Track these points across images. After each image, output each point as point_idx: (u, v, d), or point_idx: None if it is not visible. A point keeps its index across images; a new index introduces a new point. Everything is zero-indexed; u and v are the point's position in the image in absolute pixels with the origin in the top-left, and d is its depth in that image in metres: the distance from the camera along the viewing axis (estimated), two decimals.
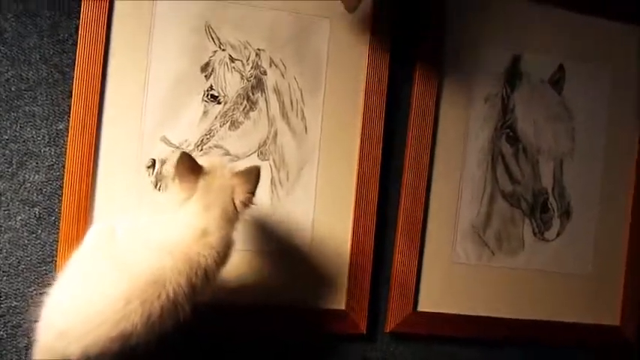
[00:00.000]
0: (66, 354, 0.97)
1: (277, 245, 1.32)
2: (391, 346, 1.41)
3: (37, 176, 1.23)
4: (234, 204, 1.11)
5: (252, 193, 1.13)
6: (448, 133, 1.42)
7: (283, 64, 1.33)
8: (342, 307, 1.36)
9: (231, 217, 1.11)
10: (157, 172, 1.27)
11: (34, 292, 1.21)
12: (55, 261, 1.22)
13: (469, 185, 1.43)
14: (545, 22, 1.47)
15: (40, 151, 1.23)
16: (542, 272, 1.48)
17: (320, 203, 1.35)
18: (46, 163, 1.23)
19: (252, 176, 1.13)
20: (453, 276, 1.43)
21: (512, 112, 1.45)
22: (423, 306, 1.41)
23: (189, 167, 1.10)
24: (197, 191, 1.09)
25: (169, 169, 1.26)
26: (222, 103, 1.30)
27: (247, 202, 1.12)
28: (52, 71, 1.23)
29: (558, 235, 1.49)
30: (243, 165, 1.17)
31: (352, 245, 1.36)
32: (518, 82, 1.46)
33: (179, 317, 1.04)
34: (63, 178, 1.22)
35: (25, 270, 1.22)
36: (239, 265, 1.29)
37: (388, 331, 1.39)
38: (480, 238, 1.44)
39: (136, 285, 1.00)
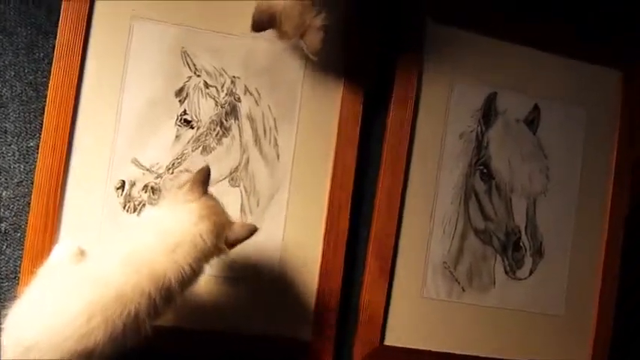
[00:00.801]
0: None
1: (243, 272, 1.31)
2: None
3: (5, 192, 1.23)
4: (223, 235, 1.09)
5: (240, 241, 1.11)
6: (421, 167, 1.42)
7: (258, 92, 1.34)
8: (308, 337, 1.34)
9: (213, 244, 1.09)
10: (125, 194, 1.27)
11: None
12: (19, 277, 1.21)
13: (441, 220, 1.43)
14: (521, 62, 1.49)
15: (10, 167, 1.23)
16: (513, 311, 1.47)
17: (289, 232, 1.34)
18: (15, 180, 1.23)
19: (250, 229, 1.11)
20: (422, 311, 1.41)
21: (486, 149, 1.46)
22: (391, 340, 1.39)
23: (204, 181, 1.11)
24: (198, 202, 1.09)
25: (139, 191, 1.27)
26: (195, 128, 1.31)
27: (232, 244, 1.10)
28: (25, 89, 1.24)
29: (530, 273, 1.48)
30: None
31: (320, 275, 1.35)
32: (493, 120, 1.47)
33: (141, 334, 1.02)
34: (30, 195, 1.22)
35: None
36: (203, 290, 1.28)
37: None
38: (451, 274, 1.43)
39: (100, 301, 0.98)
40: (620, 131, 1.55)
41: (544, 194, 1.50)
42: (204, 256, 1.07)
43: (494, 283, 1.46)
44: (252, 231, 1.12)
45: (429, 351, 1.41)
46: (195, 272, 1.06)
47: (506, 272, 1.47)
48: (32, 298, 1.02)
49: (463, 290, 1.44)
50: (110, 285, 1.00)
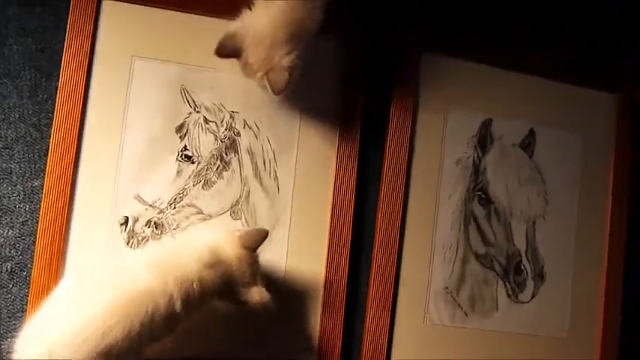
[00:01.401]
0: None
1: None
2: None
3: (10, 232, 1.25)
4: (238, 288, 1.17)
5: (248, 304, 1.19)
6: (420, 194, 1.44)
7: (257, 126, 1.37)
8: None
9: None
10: (129, 230, 1.29)
11: (3, 345, 1.22)
12: (25, 315, 1.23)
13: (442, 246, 1.45)
14: (515, 89, 1.52)
15: (15, 207, 1.26)
16: (516, 335, 1.48)
17: (291, 263, 1.36)
18: (20, 219, 1.26)
19: (264, 301, 1.20)
20: (425, 337, 1.43)
21: (483, 174, 1.48)
22: None
23: (258, 242, 1.21)
24: (241, 253, 1.18)
25: (142, 226, 1.29)
26: (196, 163, 1.33)
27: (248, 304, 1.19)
28: (30, 130, 1.28)
29: (533, 297, 1.50)
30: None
31: (323, 304, 1.37)
32: (489, 146, 1.49)
33: (156, 338, 1.09)
34: (36, 234, 1.25)
35: None
36: (209, 320, 1.30)
37: None
38: (453, 299, 1.45)
39: (122, 300, 1.03)
40: (616, 154, 1.57)
41: (543, 217, 1.51)
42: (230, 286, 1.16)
43: (497, 307, 1.47)
44: (264, 303, 1.20)
45: None
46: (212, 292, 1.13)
47: (508, 296, 1.48)
48: (55, 302, 1.08)
49: (466, 315, 1.45)
50: (133, 286, 1.05)
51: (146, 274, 1.07)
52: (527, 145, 1.52)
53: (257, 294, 1.19)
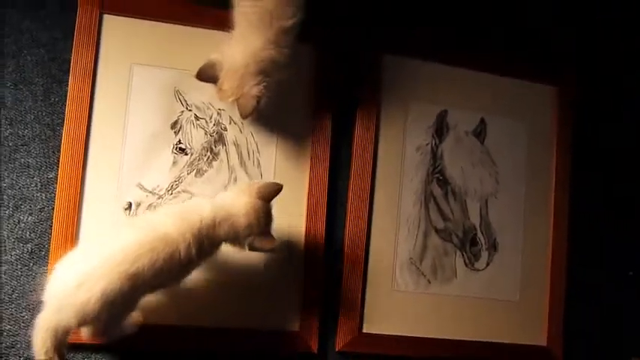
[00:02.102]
0: (80, 298, 1.18)
1: (236, 277, 1.53)
2: None
3: (30, 217, 1.44)
4: (250, 236, 1.35)
5: (258, 249, 1.38)
6: (386, 177, 1.65)
7: (241, 122, 1.56)
8: (297, 328, 1.55)
9: (242, 236, 1.35)
10: (132, 213, 1.48)
11: (26, 316, 1.41)
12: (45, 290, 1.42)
13: (406, 222, 1.65)
14: (467, 83, 1.73)
15: (33, 196, 1.45)
16: (474, 298, 1.68)
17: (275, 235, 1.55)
18: (38, 207, 1.45)
19: (270, 244, 1.38)
20: (394, 302, 1.63)
21: (441, 159, 1.69)
22: (368, 328, 1.60)
23: (272, 194, 1.39)
24: (257, 204, 1.36)
25: (144, 210, 1.49)
26: (189, 155, 1.53)
27: (250, 248, 1.37)
28: (44, 129, 1.47)
29: (487, 265, 1.70)
30: None
31: (305, 275, 1.57)
32: (445, 134, 1.70)
33: (173, 278, 1.31)
34: (52, 219, 1.44)
35: (18, 297, 1.42)
36: (206, 293, 1.49)
37: (337, 350, 1.57)
38: (417, 269, 1.65)
39: (149, 237, 1.24)
40: (557, 138, 1.78)
41: (495, 196, 1.72)
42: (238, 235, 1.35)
43: (456, 274, 1.68)
44: (271, 247, 1.39)
45: (402, 336, 1.62)
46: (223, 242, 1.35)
47: (465, 265, 1.69)
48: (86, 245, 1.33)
49: (429, 282, 1.66)
50: (160, 228, 1.26)
51: (169, 222, 1.27)
52: (479, 132, 1.73)
53: (266, 243, 1.37)
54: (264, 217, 1.37)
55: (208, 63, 1.43)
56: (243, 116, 1.45)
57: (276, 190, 1.41)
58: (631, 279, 1.82)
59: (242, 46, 1.42)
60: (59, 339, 1.20)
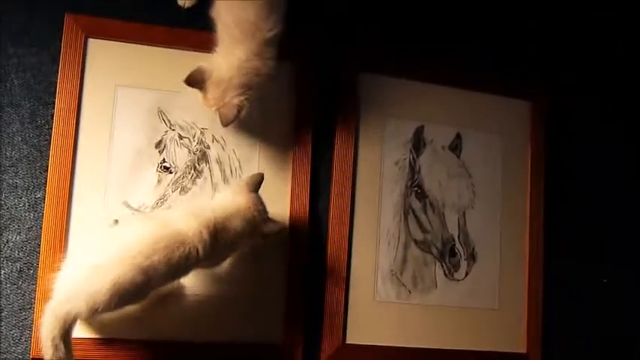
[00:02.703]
0: (93, 287, 1.24)
1: (217, 291, 1.56)
2: None
3: (18, 237, 1.48)
4: (259, 226, 1.45)
5: (272, 235, 1.49)
6: (365, 191, 1.70)
7: (224, 140, 1.61)
8: (280, 341, 1.58)
9: (251, 229, 1.44)
10: None
11: (15, 334, 1.44)
12: (34, 307, 1.45)
13: (386, 235, 1.70)
14: (443, 99, 1.79)
15: (21, 215, 1.48)
16: (454, 308, 1.73)
17: (256, 252, 1.58)
18: (26, 226, 1.48)
19: (281, 226, 1.53)
20: (376, 312, 1.67)
21: (419, 173, 1.74)
22: (352, 339, 1.64)
23: (258, 184, 1.49)
24: (249, 196, 1.45)
25: None
26: (173, 173, 1.57)
27: (265, 235, 1.47)
28: (31, 150, 1.51)
29: (466, 275, 1.75)
30: None
31: (287, 289, 1.60)
32: (422, 149, 1.75)
33: (187, 271, 1.37)
34: (40, 238, 1.47)
35: (7, 316, 1.45)
36: (190, 307, 1.53)
37: None
38: (398, 280, 1.69)
39: (164, 233, 1.31)
40: (532, 151, 1.84)
41: (472, 207, 1.78)
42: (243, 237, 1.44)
43: (436, 285, 1.72)
44: (283, 229, 1.52)
45: (385, 346, 1.66)
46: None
47: (445, 275, 1.73)
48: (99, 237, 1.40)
49: (410, 293, 1.70)
50: (175, 226, 1.32)
51: (184, 220, 1.34)
52: (455, 147, 1.78)
53: (273, 226, 1.47)
54: (262, 207, 1.47)
55: (198, 69, 1.47)
56: (224, 124, 1.51)
57: (260, 180, 1.50)
58: (606, 285, 1.87)
59: (227, 58, 1.47)
60: (66, 328, 1.26)
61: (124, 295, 1.27)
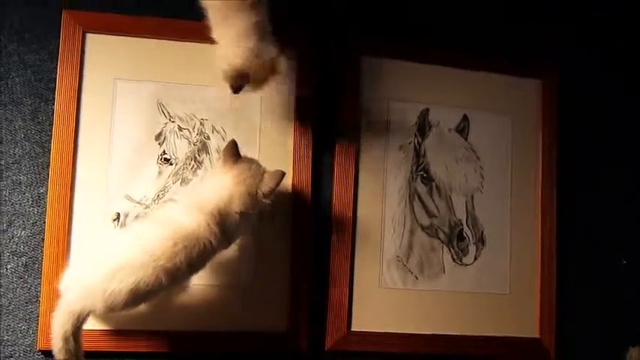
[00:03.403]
0: (112, 287, 1.28)
1: (221, 280, 1.57)
2: None
3: (23, 232, 1.51)
4: (257, 190, 1.42)
5: (272, 189, 1.44)
6: (369, 176, 1.67)
7: (224, 130, 1.61)
8: (285, 329, 1.59)
9: (252, 199, 1.42)
10: (121, 224, 1.54)
11: (23, 327, 1.48)
12: (40, 300, 1.48)
13: (391, 221, 1.68)
14: (448, 81, 1.74)
15: (25, 211, 1.52)
16: (463, 293, 1.70)
17: (260, 241, 1.60)
18: (31, 221, 1.51)
19: (278, 177, 1.45)
20: (381, 299, 1.66)
21: (424, 157, 1.71)
22: (357, 326, 1.63)
23: (232, 152, 1.45)
24: (234, 169, 1.43)
25: (131, 220, 1.55)
26: (174, 164, 1.58)
27: (266, 194, 1.44)
28: (33, 147, 1.53)
29: (475, 259, 1.72)
30: None
31: (292, 276, 1.60)
32: (428, 132, 1.72)
33: (205, 264, 1.41)
34: (44, 233, 1.50)
35: (14, 309, 1.49)
36: (195, 297, 1.54)
37: (327, 349, 1.61)
38: (404, 266, 1.68)
39: (180, 233, 1.34)
40: (543, 131, 1.79)
41: (480, 190, 1.74)
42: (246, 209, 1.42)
43: (444, 270, 1.70)
44: (280, 177, 1.45)
45: (391, 333, 1.65)
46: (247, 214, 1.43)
47: (453, 260, 1.71)
48: (112, 244, 1.41)
49: (416, 278, 1.68)
50: (187, 224, 1.35)
51: (191, 217, 1.36)
52: (462, 129, 1.75)
53: (270, 179, 1.44)
54: (252, 170, 1.45)
55: (232, 73, 1.42)
56: (236, 91, 1.46)
57: (232, 146, 1.47)
58: (623, 267, 1.81)
59: (231, 36, 1.42)
60: (79, 324, 1.29)
61: (143, 295, 1.33)
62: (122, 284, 1.28)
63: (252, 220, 1.49)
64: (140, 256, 1.30)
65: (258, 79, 1.46)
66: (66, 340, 1.28)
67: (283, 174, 1.46)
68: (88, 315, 1.31)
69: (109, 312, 1.34)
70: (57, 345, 1.28)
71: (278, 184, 1.45)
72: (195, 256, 1.35)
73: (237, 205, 1.41)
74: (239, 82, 1.44)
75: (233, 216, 1.40)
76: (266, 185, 1.44)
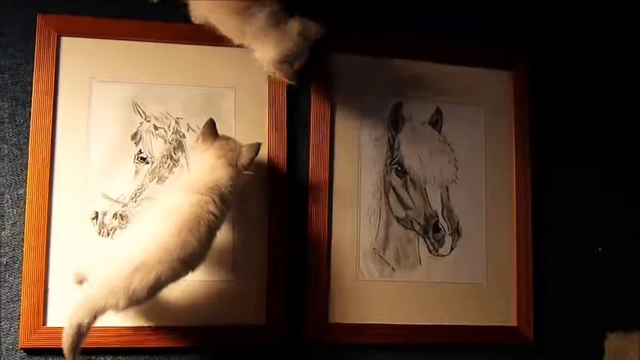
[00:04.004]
0: (134, 284, 1.32)
1: (204, 275, 1.58)
2: (312, 353, 1.65)
3: (3, 232, 1.54)
4: (236, 162, 1.49)
5: (251, 160, 1.51)
6: (344, 170, 1.70)
7: (199, 128, 1.63)
8: (263, 322, 1.61)
9: (234, 171, 1.49)
10: (100, 222, 1.57)
11: (4, 325, 1.51)
12: (20, 299, 1.51)
13: (366, 213, 1.71)
14: (420, 74, 1.77)
15: (5, 212, 1.55)
16: (440, 284, 1.73)
17: (238, 235, 1.63)
18: (10, 222, 1.54)
19: (254, 149, 1.52)
20: (359, 291, 1.68)
21: (398, 150, 1.74)
22: (335, 318, 1.65)
23: (211, 130, 1.53)
24: (213, 146, 1.50)
25: (110, 219, 1.57)
26: (150, 163, 1.61)
27: (246, 166, 1.51)
28: (12, 149, 1.56)
29: (452, 250, 1.74)
30: None
31: (269, 270, 1.63)
32: (401, 125, 1.75)
33: (214, 235, 1.45)
34: (24, 233, 1.53)
35: None
36: (174, 293, 1.56)
37: (305, 341, 1.63)
38: (381, 258, 1.70)
39: (182, 220, 1.38)
40: (515, 121, 1.81)
41: (455, 182, 1.76)
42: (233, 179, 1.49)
43: (420, 261, 1.72)
44: (257, 149, 1.52)
45: (369, 324, 1.67)
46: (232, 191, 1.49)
47: (429, 251, 1.73)
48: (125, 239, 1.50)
49: (393, 270, 1.71)
50: (185, 208, 1.40)
51: (189, 199, 1.41)
52: (436, 122, 1.77)
53: (247, 151, 1.51)
54: (229, 145, 1.52)
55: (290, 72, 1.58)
56: (292, 79, 1.61)
57: (209, 125, 1.54)
58: (599, 254, 1.84)
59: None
60: (97, 318, 1.34)
61: (164, 286, 1.38)
62: (143, 282, 1.33)
63: (239, 191, 1.53)
64: (155, 253, 1.35)
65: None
66: (79, 326, 1.32)
67: (259, 145, 1.53)
68: (107, 311, 1.34)
69: (129, 308, 1.38)
70: (69, 332, 1.32)
71: (255, 154, 1.52)
72: (202, 235, 1.40)
73: (223, 177, 1.47)
74: (292, 69, 1.57)
75: (223, 188, 1.46)
76: (244, 157, 1.50)
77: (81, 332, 1.32)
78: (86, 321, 1.31)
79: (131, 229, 1.54)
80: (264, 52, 1.56)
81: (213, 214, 1.42)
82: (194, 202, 1.41)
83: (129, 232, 1.53)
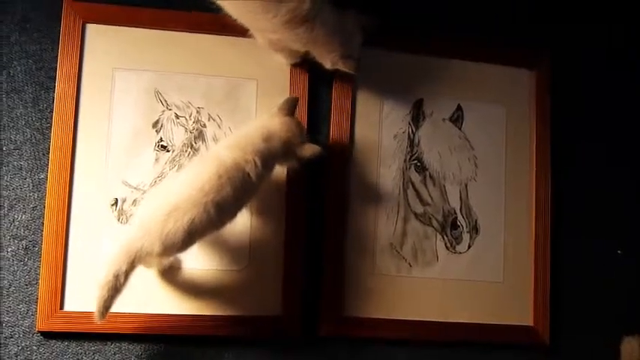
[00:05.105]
0: (168, 227, 1.33)
1: (220, 264, 1.61)
2: (326, 346, 1.65)
3: (23, 216, 1.55)
4: (293, 146, 1.51)
5: (306, 158, 1.53)
6: (363, 165, 1.70)
7: (220, 118, 1.64)
8: (279, 314, 1.61)
9: (284, 148, 1.50)
10: (119, 209, 1.58)
11: (22, 308, 1.52)
12: (39, 283, 1.52)
13: (384, 208, 1.70)
14: (442, 71, 1.77)
15: (26, 196, 1.56)
16: (456, 281, 1.72)
17: (255, 227, 1.63)
18: (31, 206, 1.56)
19: (315, 151, 1.53)
20: (375, 285, 1.68)
21: (418, 146, 1.73)
22: (350, 312, 1.65)
23: (290, 108, 1.55)
24: (285, 118, 1.52)
25: (129, 205, 1.58)
26: (171, 152, 1.62)
27: (299, 158, 1.53)
28: (34, 133, 1.58)
29: (469, 247, 1.73)
30: None
31: (285, 262, 1.63)
32: (421, 122, 1.74)
33: (247, 200, 1.48)
34: (44, 217, 1.54)
35: (15, 291, 1.53)
36: (190, 281, 1.58)
37: (320, 334, 1.63)
38: (398, 253, 1.70)
39: (224, 167, 1.40)
40: (536, 119, 1.80)
41: (474, 179, 1.76)
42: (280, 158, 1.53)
43: (437, 257, 1.72)
44: (318, 153, 1.54)
45: (384, 319, 1.66)
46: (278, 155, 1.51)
47: (447, 248, 1.73)
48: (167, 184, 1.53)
49: (410, 266, 1.70)
50: (229, 158, 1.42)
51: (233, 153, 1.43)
52: (456, 118, 1.77)
53: (309, 149, 1.53)
54: (297, 129, 1.53)
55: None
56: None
57: (292, 102, 1.56)
58: (619, 257, 1.82)
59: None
60: (134, 264, 1.34)
61: (197, 233, 1.38)
62: (178, 224, 1.34)
63: (271, 169, 1.53)
64: (191, 194, 1.36)
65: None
66: (117, 277, 1.32)
67: (321, 150, 1.54)
68: (145, 257, 1.35)
69: (164, 254, 1.39)
70: (105, 280, 1.32)
71: (312, 157, 1.53)
72: (239, 187, 1.40)
73: (275, 144, 1.48)
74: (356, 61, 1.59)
75: (269, 153, 1.46)
76: (304, 151, 1.52)
77: (117, 285, 1.32)
78: (124, 268, 1.32)
79: (173, 176, 1.57)
80: (324, 52, 1.57)
81: (250, 176, 1.43)
82: (238, 158, 1.42)
83: (174, 176, 1.56)
